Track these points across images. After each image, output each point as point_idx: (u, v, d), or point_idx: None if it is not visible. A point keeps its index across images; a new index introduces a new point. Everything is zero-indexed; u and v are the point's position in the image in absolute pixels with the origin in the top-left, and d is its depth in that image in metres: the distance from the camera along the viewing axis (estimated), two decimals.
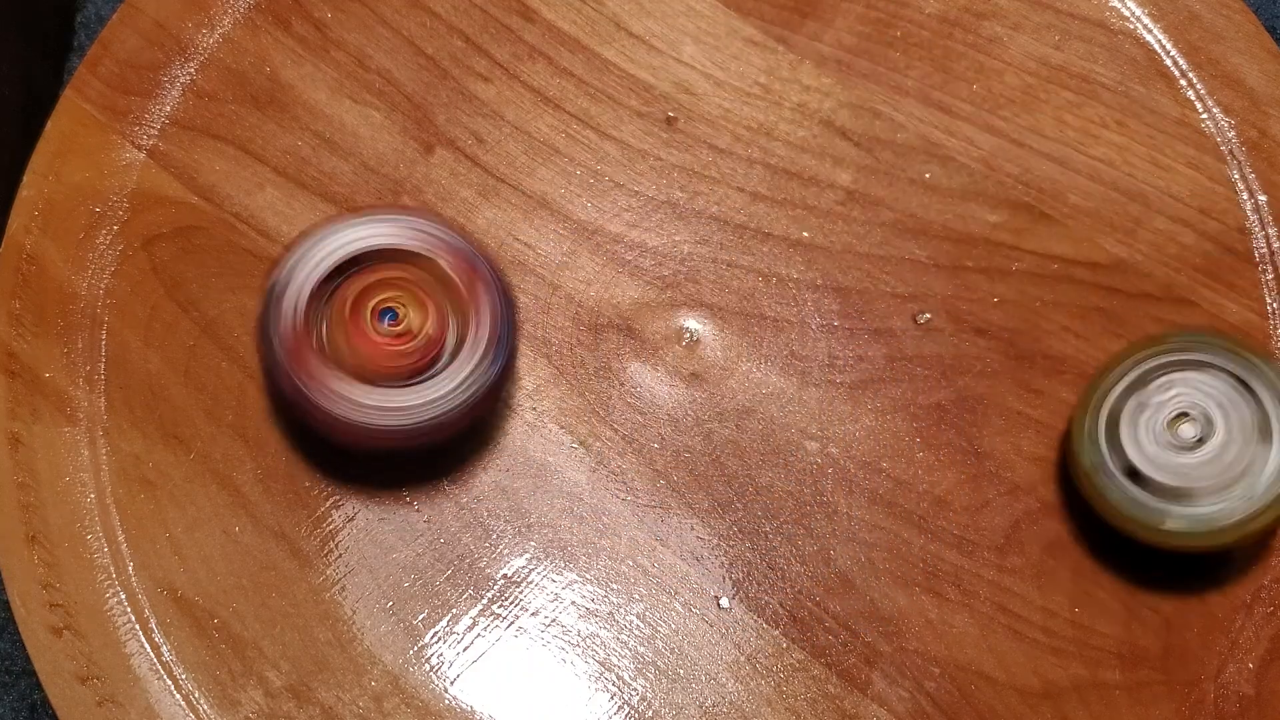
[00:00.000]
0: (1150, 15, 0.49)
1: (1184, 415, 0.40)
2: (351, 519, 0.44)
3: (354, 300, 0.41)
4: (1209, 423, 0.40)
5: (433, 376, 0.40)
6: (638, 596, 0.43)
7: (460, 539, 0.44)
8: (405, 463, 0.45)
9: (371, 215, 0.41)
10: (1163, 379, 0.41)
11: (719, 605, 0.43)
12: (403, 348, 0.40)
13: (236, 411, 0.45)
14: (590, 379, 0.46)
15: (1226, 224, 0.47)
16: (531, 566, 0.44)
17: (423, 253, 0.41)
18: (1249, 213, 0.47)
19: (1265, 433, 0.40)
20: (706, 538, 0.44)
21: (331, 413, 0.40)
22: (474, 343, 0.40)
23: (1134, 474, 0.40)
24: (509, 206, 0.48)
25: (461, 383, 0.40)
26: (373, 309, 0.41)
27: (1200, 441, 0.40)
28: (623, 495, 0.45)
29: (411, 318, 0.41)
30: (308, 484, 0.45)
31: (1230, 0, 0.49)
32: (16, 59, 0.65)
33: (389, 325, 0.41)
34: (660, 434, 0.45)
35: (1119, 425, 0.40)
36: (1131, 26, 0.49)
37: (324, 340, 0.40)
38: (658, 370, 0.46)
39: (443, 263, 0.41)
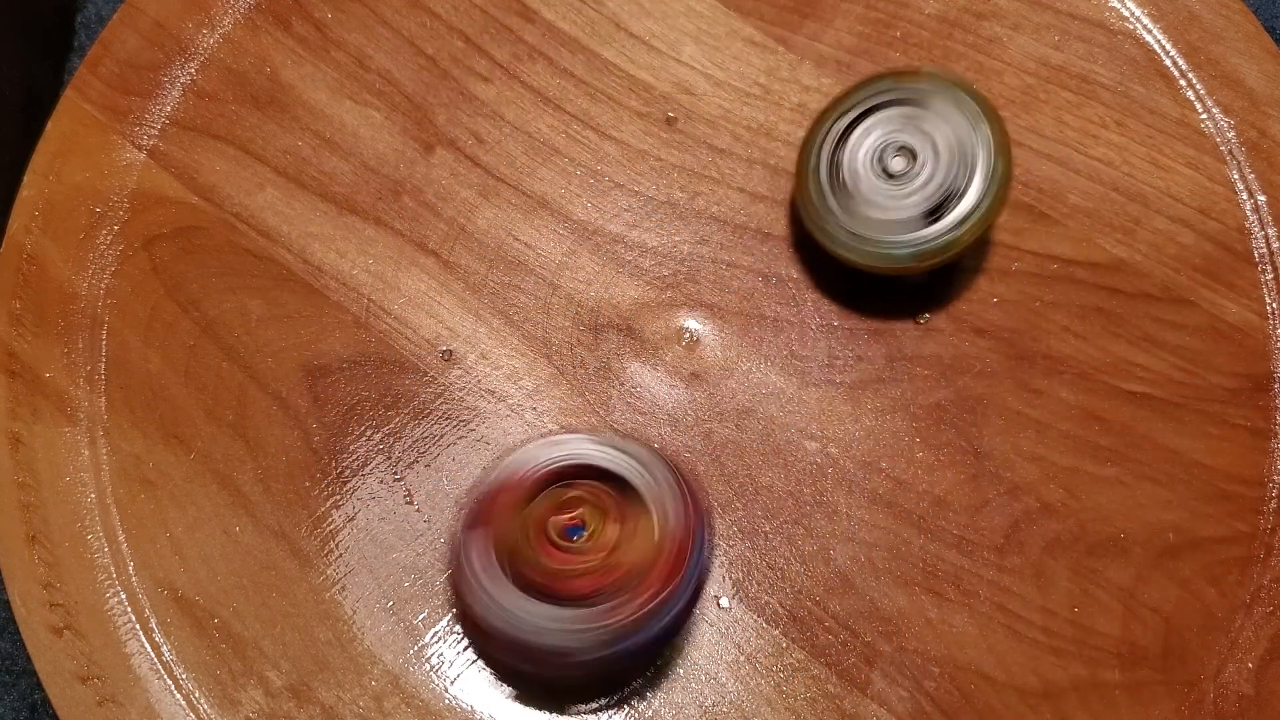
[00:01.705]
0: (1150, 15, 0.49)
1: (896, 149, 0.42)
2: (351, 519, 0.44)
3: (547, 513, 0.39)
4: (915, 155, 0.42)
5: (616, 602, 0.38)
6: None
7: None
8: (404, 465, 0.45)
9: (610, 441, 0.40)
10: (873, 117, 0.43)
11: (719, 605, 0.43)
12: (581, 566, 0.38)
13: (236, 411, 0.45)
14: (590, 379, 0.46)
15: (1226, 224, 0.47)
16: None
17: (646, 498, 0.39)
18: (1248, 213, 0.47)
19: (968, 161, 0.42)
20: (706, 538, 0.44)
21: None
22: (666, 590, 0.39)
23: (851, 204, 0.43)
24: (509, 206, 0.48)
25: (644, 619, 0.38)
26: (562, 524, 0.39)
27: (909, 174, 0.42)
28: None
29: (595, 537, 0.39)
30: (308, 484, 0.45)
31: (1230, 0, 0.49)
32: (16, 59, 0.66)
33: (569, 540, 0.39)
34: (660, 434, 0.45)
35: (839, 167, 0.43)
36: (1131, 27, 0.49)
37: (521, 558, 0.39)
38: (658, 370, 0.46)
39: (657, 516, 0.39)
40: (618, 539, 0.38)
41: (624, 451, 0.40)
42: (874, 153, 0.42)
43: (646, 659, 0.42)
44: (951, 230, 0.42)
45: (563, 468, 0.39)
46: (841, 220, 0.43)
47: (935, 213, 0.42)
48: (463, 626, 0.42)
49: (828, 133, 0.43)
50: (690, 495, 0.40)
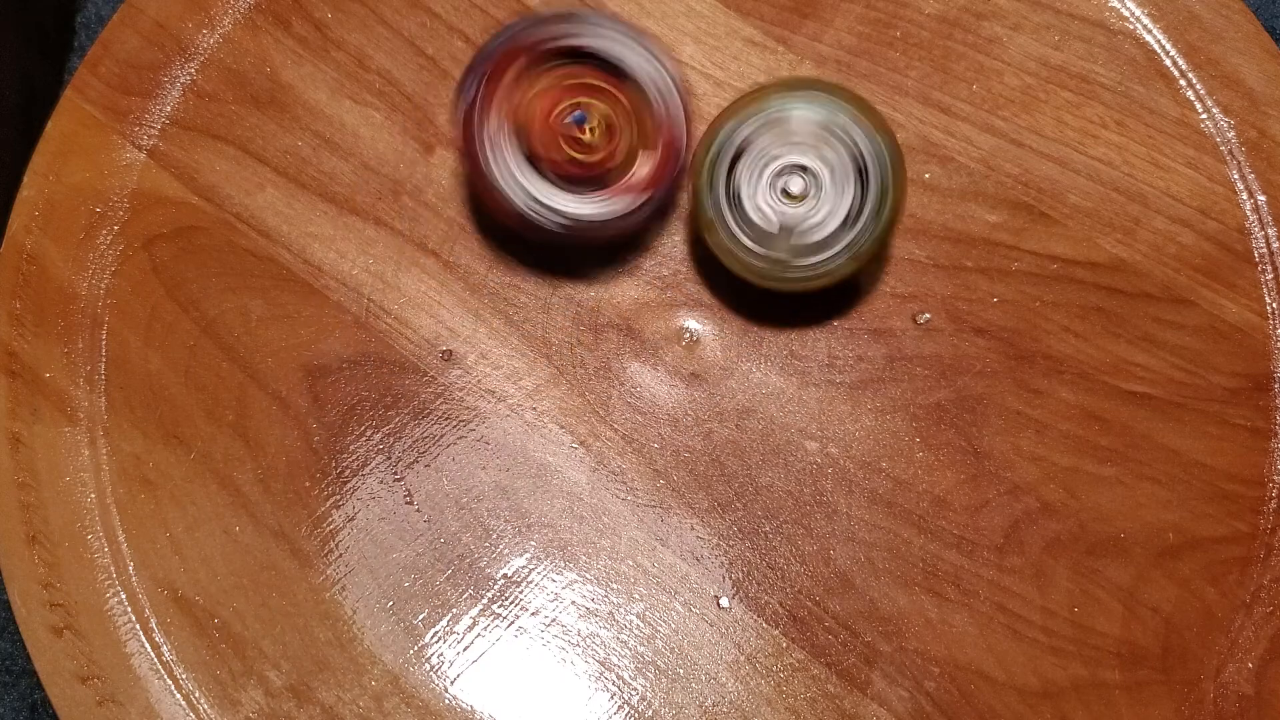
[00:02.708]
0: (1150, 15, 0.49)
1: (790, 169, 0.42)
2: (351, 519, 0.44)
3: (549, 92, 0.42)
4: (814, 176, 0.42)
5: (600, 188, 0.42)
6: (638, 596, 0.43)
7: (460, 539, 0.44)
8: (402, 453, 0.45)
9: (598, 21, 0.42)
10: (768, 136, 0.42)
11: (719, 605, 0.43)
12: (579, 155, 0.42)
13: (237, 411, 0.45)
14: (590, 379, 0.46)
15: (1226, 224, 0.47)
16: (531, 566, 0.44)
17: (641, 82, 0.42)
18: (1248, 213, 0.47)
19: (861, 179, 0.42)
20: (706, 537, 0.44)
21: (497, 189, 0.42)
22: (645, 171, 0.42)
23: (748, 225, 0.42)
24: None
25: (625, 207, 0.42)
26: (564, 108, 0.42)
27: (804, 195, 0.42)
28: (623, 495, 0.45)
29: (598, 130, 0.42)
30: (308, 484, 0.45)
31: (1230, 0, 0.49)
32: (16, 59, 0.66)
33: (576, 128, 0.42)
34: (660, 434, 0.45)
35: (735, 184, 0.42)
36: (1131, 27, 0.49)
37: (514, 110, 0.42)
38: (658, 370, 0.46)
39: (653, 99, 0.42)
40: (619, 126, 0.42)
41: (612, 33, 0.42)
42: (771, 175, 0.42)
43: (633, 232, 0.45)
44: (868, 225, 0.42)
45: (567, 47, 0.42)
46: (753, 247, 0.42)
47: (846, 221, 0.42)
48: (474, 187, 0.45)
49: (719, 151, 0.43)
50: (673, 73, 0.42)
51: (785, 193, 0.41)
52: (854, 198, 0.41)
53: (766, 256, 0.42)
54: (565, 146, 0.41)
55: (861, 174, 0.41)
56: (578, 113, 0.41)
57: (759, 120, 0.42)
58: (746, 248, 0.42)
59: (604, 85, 0.42)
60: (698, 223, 0.43)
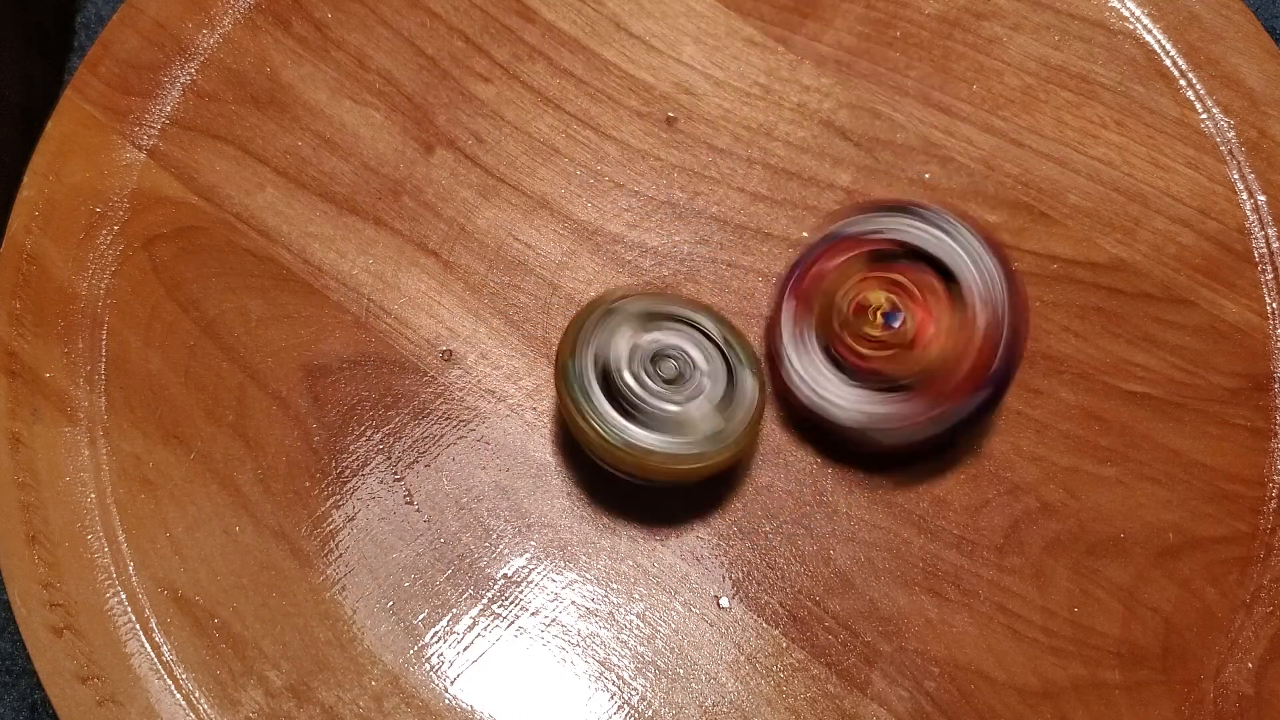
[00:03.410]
0: (1150, 15, 0.49)
1: (673, 358, 0.39)
2: (351, 519, 0.44)
3: (861, 288, 0.40)
4: (685, 377, 0.39)
5: (902, 390, 0.39)
6: (638, 596, 0.43)
7: (460, 539, 0.44)
8: (401, 451, 0.45)
9: (928, 216, 0.40)
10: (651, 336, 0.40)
11: (719, 605, 0.43)
12: (885, 354, 0.39)
13: (237, 411, 0.45)
14: None
15: (1226, 224, 0.47)
16: (531, 566, 0.44)
17: (963, 282, 0.39)
18: (1248, 213, 0.47)
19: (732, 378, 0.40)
20: (706, 537, 0.44)
21: (795, 391, 0.41)
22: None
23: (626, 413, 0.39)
24: (509, 206, 0.48)
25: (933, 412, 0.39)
26: (876, 308, 0.40)
27: (670, 382, 0.39)
28: (623, 495, 0.45)
29: (909, 326, 0.39)
30: (308, 484, 0.45)
31: (1230, 0, 0.49)
32: (16, 59, 0.66)
33: (884, 328, 0.39)
34: None
35: (607, 371, 0.39)
36: (1131, 26, 0.49)
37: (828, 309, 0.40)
38: None
39: (971, 295, 0.39)
40: (932, 330, 0.39)
41: (951, 236, 0.39)
42: (644, 357, 0.39)
43: (933, 443, 0.42)
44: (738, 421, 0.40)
45: (887, 242, 0.40)
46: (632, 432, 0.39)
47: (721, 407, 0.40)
48: (773, 387, 0.43)
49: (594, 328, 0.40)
50: (1012, 288, 0.39)
51: (659, 382, 0.39)
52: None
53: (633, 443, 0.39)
54: (863, 342, 0.39)
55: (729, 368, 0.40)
56: (891, 312, 0.39)
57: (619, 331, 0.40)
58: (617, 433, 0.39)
59: (923, 284, 0.39)
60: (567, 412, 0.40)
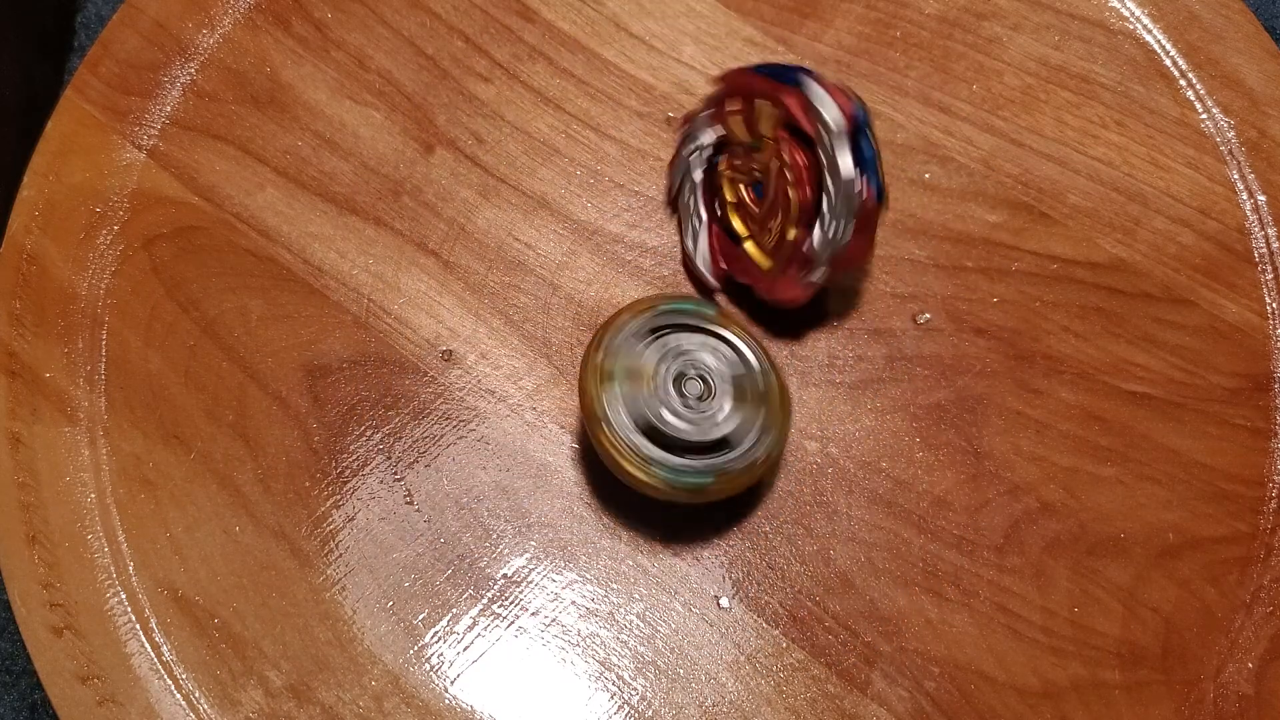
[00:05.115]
0: (1150, 15, 0.49)
1: (691, 377, 0.40)
2: (351, 519, 0.44)
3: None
4: (710, 384, 0.40)
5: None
6: (638, 596, 0.43)
7: (460, 539, 0.44)
8: (403, 450, 0.45)
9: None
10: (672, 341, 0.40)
11: (719, 605, 0.43)
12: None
13: (236, 411, 0.45)
14: None
15: (1226, 224, 0.47)
16: (531, 566, 0.44)
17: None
18: (1248, 213, 0.47)
19: (757, 398, 0.40)
20: (706, 538, 0.44)
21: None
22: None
23: (649, 431, 0.39)
24: (509, 206, 0.48)
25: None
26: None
27: (703, 399, 0.40)
28: (623, 495, 0.45)
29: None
30: (308, 484, 0.45)
31: (1230, 0, 0.49)
32: (16, 59, 0.66)
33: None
34: None
35: (632, 386, 0.40)
36: (1131, 26, 0.49)
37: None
38: None
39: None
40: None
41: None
42: (671, 388, 0.40)
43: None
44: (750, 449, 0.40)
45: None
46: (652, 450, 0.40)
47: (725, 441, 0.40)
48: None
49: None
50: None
51: (682, 398, 0.40)
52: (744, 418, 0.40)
53: (659, 460, 0.39)
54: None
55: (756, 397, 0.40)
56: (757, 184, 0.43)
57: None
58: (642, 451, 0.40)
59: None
60: (590, 420, 0.40)
